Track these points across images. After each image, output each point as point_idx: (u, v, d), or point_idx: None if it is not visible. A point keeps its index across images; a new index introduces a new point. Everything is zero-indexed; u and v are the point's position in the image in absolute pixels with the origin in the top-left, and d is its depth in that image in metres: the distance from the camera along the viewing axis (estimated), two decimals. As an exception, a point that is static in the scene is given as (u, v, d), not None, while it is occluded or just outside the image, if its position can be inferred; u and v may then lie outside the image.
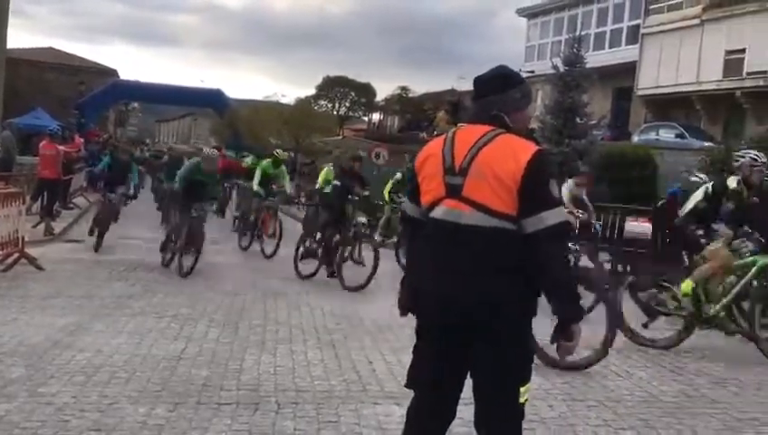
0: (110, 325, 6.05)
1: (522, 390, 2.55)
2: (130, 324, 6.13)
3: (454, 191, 2.55)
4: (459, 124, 2.72)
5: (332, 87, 51.83)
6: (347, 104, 53.00)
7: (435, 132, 30.23)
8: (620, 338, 6.55)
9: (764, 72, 24.33)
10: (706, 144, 18.61)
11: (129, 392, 4.34)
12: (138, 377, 4.66)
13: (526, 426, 3.98)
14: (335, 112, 52.14)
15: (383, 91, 55.65)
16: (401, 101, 48.82)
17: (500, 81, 2.68)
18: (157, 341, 5.63)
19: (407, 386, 2.80)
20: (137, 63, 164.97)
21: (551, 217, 2.46)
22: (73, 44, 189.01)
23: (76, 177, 17.72)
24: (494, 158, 2.50)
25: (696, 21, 27.24)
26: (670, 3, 28.96)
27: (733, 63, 25.66)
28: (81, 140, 21.85)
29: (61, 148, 13.71)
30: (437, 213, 2.59)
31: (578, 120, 16.72)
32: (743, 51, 25.32)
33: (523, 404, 2.58)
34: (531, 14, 37.48)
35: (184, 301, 7.30)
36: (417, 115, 44.63)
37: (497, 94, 2.64)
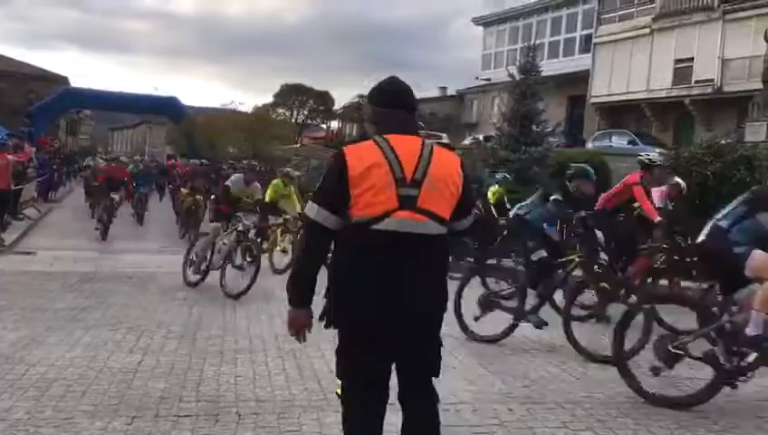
0: (63, 338, 5.92)
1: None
2: (85, 337, 6.01)
3: (408, 203, 2.63)
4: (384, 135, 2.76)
5: (290, 95, 51.70)
6: (305, 112, 52.90)
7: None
8: (581, 341, 6.67)
9: (711, 80, 25.13)
10: (657, 150, 19.06)
11: (84, 406, 4.26)
12: (93, 390, 4.57)
13: (486, 430, 4.04)
14: (293, 120, 51.98)
15: (341, 98, 55.81)
16: (359, 109, 48.91)
17: (413, 95, 2.89)
18: (112, 353, 5.52)
19: (352, 387, 2.83)
20: (88, 71, 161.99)
21: (468, 220, 2.88)
22: (21, 51, 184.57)
23: (27, 187, 17.28)
24: (444, 170, 2.71)
25: (647, 31, 28.00)
26: (621, 13, 29.70)
27: (682, 72, 26.44)
28: (33, 149, 21.32)
29: (10, 157, 13.38)
30: (389, 225, 2.63)
31: (534, 127, 16.99)
32: (691, 60, 26.12)
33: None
34: (486, 22, 38.00)
35: (140, 312, 7.18)
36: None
37: (416, 109, 2.89)
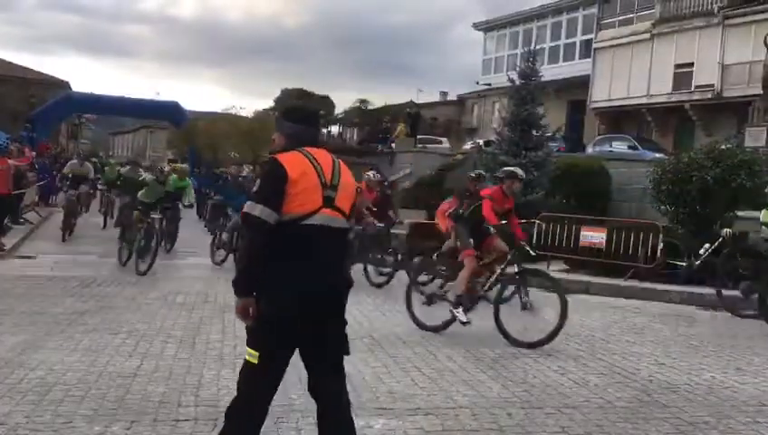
0: (63, 342, 5.93)
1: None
2: (84, 341, 6.01)
3: (329, 202, 3.24)
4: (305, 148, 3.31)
5: (291, 99, 51.71)
6: (305, 117, 52.95)
7: (393, 144, 30.39)
8: (578, 346, 6.69)
9: (712, 85, 25.16)
10: (658, 155, 19.09)
11: (83, 411, 4.26)
12: (92, 395, 4.57)
13: None
14: (294, 125, 51.99)
15: (342, 103, 55.83)
16: (360, 114, 48.99)
17: (317, 119, 3.59)
18: (112, 358, 5.53)
19: (269, 358, 3.18)
20: (89, 75, 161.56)
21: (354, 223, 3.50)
22: (23, 56, 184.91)
23: (28, 191, 17.30)
24: (348, 178, 3.37)
25: (647, 36, 28.04)
26: (621, 18, 29.75)
27: (682, 77, 26.48)
28: (33, 153, 21.35)
29: (11, 162, 13.40)
30: (316, 220, 3.20)
31: (534, 132, 16.95)
32: (691, 65, 26.16)
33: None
34: (487, 27, 38.06)
35: (139, 317, 7.18)
36: (376, 127, 44.83)
37: (317, 130, 3.54)
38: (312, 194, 3.20)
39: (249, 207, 3.16)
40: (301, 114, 3.49)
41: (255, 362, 3.17)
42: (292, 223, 3.16)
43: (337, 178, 3.29)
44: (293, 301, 3.14)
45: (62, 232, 14.44)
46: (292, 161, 3.22)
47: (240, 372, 3.26)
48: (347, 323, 3.34)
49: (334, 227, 3.25)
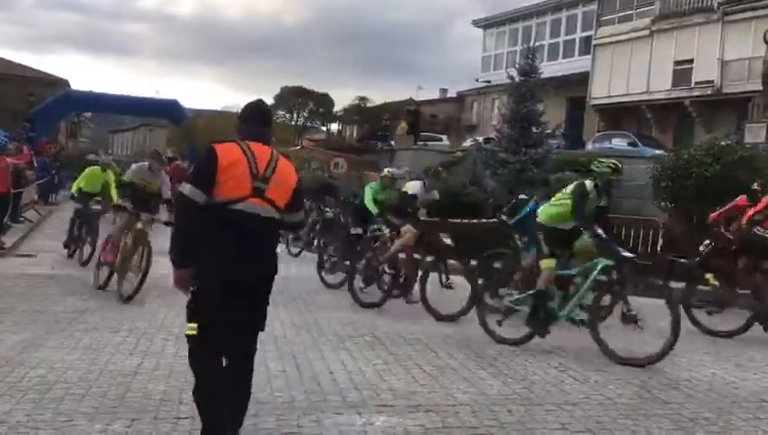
0: (64, 341, 5.93)
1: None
2: (85, 339, 6.01)
3: (258, 192, 3.59)
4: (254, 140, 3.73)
5: (291, 97, 51.68)
6: (305, 114, 52.89)
7: (393, 142, 30.38)
8: (580, 344, 6.69)
9: (711, 81, 25.14)
10: (658, 152, 19.07)
11: (84, 409, 4.26)
12: (93, 393, 4.57)
13: (485, 432, 4.06)
14: (294, 123, 51.97)
15: (342, 100, 55.71)
16: (360, 112, 48.94)
17: (269, 116, 3.97)
18: (112, 356, 5.53)
19: (197, 322, 3.56)
20: (89, 73, 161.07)
21: (298, 216, 3.88)
22: (22, 54, 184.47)
23: (27, 190, 17.29)
24: (285, 172, 3.72)
25: (646, 32, 28.01)
26: (621, 15, 29.71)
27: (681, 73, 26.44)
28: (31, 152, 21.33)
29: (10, 160, 13.39)
30: (244, 207, 3.57)
31: (533, 129, 16.94)
32: (691, 61, 26.12)
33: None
34: (486, 24, 38.02)
35: (140, 315, 7.18)
36: (375, 125, 44.82)
37: (267, 127, 3.86)
38: (242, 182, 3.56)
39: (181, 186, 3.62)
40: (248, 112, 3.85)
41: (195, 333, 3.55)
42: (222, 206, 3.54)
43: (270, 172, 3.63)
44: (221, 279, 3.55)
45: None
46: (226, 150, 3.61)
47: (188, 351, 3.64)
48: (269, 302, 3.77)
49: (263, 217, 3.61)
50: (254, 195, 3.57)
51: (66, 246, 11.60)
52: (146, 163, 9.24)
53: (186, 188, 3.57)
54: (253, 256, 3.58)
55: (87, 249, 10.68)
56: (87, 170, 11.60)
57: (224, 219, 3.54)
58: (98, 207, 10.90)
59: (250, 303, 3.65)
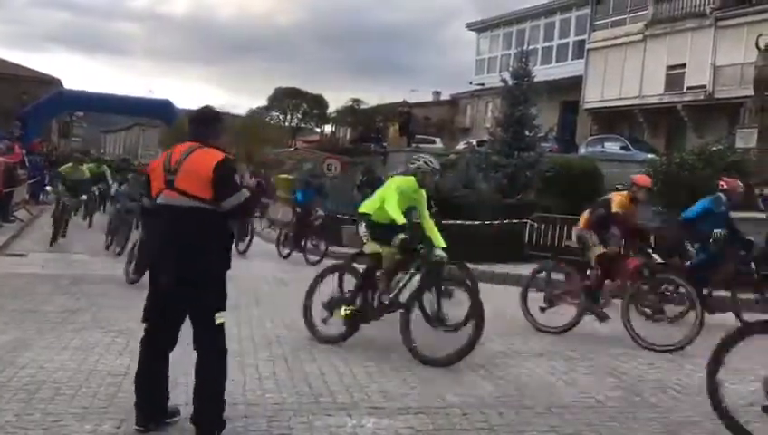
0: (53, 341, 5.90)
1: (216, 316, 3.89)
2: (75, 340, 5.99)
3: (169, 184, 3.89)
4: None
5: (284, 98, 51.60)
6: (299, 115, 52.80)
7: (385, 144, 30.38)
8: (570, 347, 6.71)
9: (704, 86, 25.27)
10: (650, 156, 19.15)
11: (74, 409, 4.25)
12: (83, 393, 4.56)
13: (475, 434, 4.03)
14: (287, 124, 51.90)
15: (336, 102, 55.46)
16: (353, 113, 48.90)
17: (201, 117, 4.17)
18: (102, 356, 5.51)
19: (144, 320, 4.04)
20: (81, 72, 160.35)
21: (234, 199, 3.86)
22: (14, 53, 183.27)
23: (18, 189, 17.21)
24: (197, 161, 3.88)
25: (639, 37, 28.13)
26: (614, 19, 29.84)
27: (674, 78, 26.58)
28: (23, 151, 21.22)
29: (1, 159, 13.34)
30: (161, 199, 3.93)
31: (527, 132, 16.98)
32: (683, 66, 26.26)
33: (220, 324, 3.93)
34: (480, 28, 38.10)
35: (131, 315, 7.12)
36: (369, 127, 44.83)
37: (204, 127, 4.10)
38: (158, 179, 3.96)
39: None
40: (191, 117, 4.28)
41: (144, 330, 4.02)
42: (154, 202, 4.01)
43: (179, 163, 3.89)
44: (151, 275, 4.01)
45: None
46: (155, 160, 4.22)
47: None
48: (209, 296, 3.89)
49: (174, 206, 3.86)
50: (166, 186, 3.89)
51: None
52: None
53: (146, 200, 4.28)
54: (173, 254, 3.83)
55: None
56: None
57: (157, 214, 3.99)
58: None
59: (183, 299, 3.89)
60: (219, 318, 3.90)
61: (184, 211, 3.83)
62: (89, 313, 7.17)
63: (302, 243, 13.40)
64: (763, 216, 10.69)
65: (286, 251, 13.56)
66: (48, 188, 17.28)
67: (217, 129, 4.18)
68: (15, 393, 4.48)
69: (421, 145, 29.37)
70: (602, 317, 7.34)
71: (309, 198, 13.95)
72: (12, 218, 15.82)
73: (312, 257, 12.62)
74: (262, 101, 54.74)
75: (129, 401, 4.44)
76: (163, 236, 3.93)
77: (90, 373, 5.01)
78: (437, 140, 34.22)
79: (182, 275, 3.80)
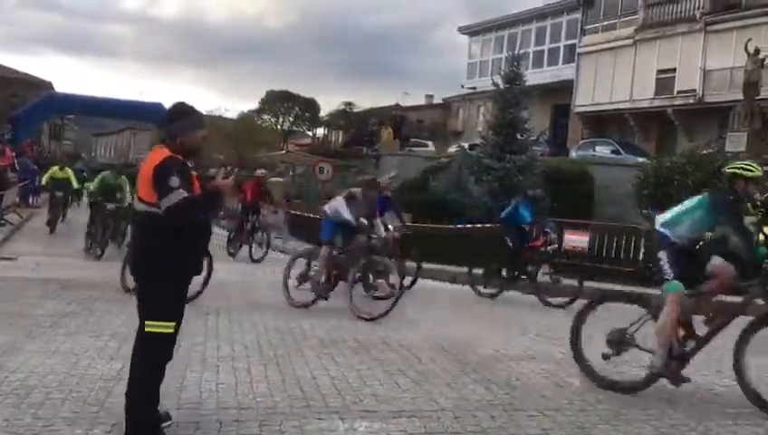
0: (44, 345, 5.87)
1: (148, 323, 3.84)
2: (66, 344, 5.96)
3: (137, 190, 3.97)
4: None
5: (276, 101, 51.60)
6: (291, 119, 52.81)
7: (377, 147, 30.40)
8: (560, 350, 6.72)
9: (694, 90, 25.42)
10: (641, 160, 19.25)
11: (64, 414, 4.22)
12: (74, 398, 4.53)
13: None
14: (279, 127, 51.89)
15: (328, 105, 55.66)
16: (346, 116, 48.94)
17: (169, 115, 4.02)
18: (93, 360, 5.48)
19: (173, 319, 3.94)
20: (74, 76, 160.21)
21: (166, 202, 3.72)
22: (5, 56, 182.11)
23: (8, 192, 17.13)
24: (144, 165, 3.91)
25: (630, 41, 28.28)
26: (605, 23, 29.98)
27: (664, 82, 26.73)
28: (13, 154, 21.12)
29: (-8, 162, 13.27)
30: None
31: (518, 136, 17.05)
32: (673, 70, 26.41)
33: (152, 332, 3.84)
34: (472, 31, 38.21)
35: (122, 319, 7.12)
36: (361, 130, 44.87)
37: (168, 124, 3.99)
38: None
39: None
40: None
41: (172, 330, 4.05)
42: None
43: (138, 169, 4.12)
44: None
45: None
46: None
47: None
48: (145, 302, 3.93)
49: (135, 211, 4.05)
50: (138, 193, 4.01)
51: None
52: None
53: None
54: (131, 260, 4.18)
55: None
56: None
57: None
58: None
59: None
60: (149, 327, 3.82)
61: (139, 216, 3.95)
62: (80, 317, 7.13)
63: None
64: (753, 219, 10.72)
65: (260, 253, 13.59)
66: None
67: (183, 125, 3.93)
68: (5, 397, 4.45)
69: (414, 148, 29.46)
70: None
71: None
72: (2, 222, 15.73)
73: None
74: (253, 105, 54.84)
75: (119, 405, 4.41)
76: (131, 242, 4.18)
77: (81, 378, 4.98)
78: (430, 143, 34.30)
79: (135, 280, 4.02)
